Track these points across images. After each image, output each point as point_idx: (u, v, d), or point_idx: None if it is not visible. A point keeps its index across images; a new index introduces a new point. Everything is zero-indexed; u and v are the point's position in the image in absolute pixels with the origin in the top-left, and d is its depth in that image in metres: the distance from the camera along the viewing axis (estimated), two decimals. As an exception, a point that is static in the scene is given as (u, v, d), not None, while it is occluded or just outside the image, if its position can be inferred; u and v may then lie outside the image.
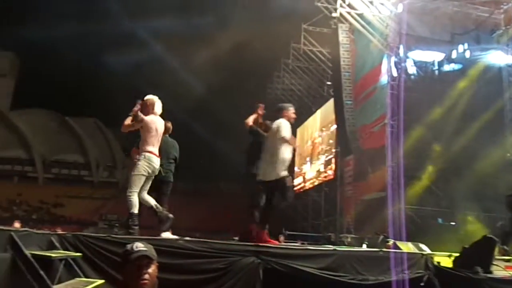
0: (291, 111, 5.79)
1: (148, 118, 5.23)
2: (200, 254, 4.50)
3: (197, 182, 33.12)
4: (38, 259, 3.34)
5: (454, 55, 14.51)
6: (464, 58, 14.45)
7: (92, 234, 4.75)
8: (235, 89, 21.24)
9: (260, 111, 6.23)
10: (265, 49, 20.85)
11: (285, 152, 5.51)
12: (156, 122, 5.30)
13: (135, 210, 5.16)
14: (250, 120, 6.14)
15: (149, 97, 5.39)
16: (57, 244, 4.12)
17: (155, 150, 5.27)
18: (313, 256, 4.85)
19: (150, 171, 5.22)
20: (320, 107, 23.33)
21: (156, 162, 5.27)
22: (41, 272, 3.22)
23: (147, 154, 5.20)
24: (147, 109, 5.28)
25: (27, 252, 3.30)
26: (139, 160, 5.21)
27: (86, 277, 4.02)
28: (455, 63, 14.86)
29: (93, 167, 41.63)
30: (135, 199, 5.18)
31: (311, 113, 24.67)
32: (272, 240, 5.49)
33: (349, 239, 11.48)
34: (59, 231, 5.55)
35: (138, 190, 5.22)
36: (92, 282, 3.77)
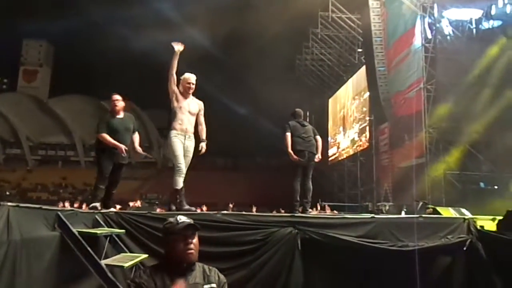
0: None
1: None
2: (238, 227, 4.58)
3: (236, 157, 33.48)
4: (85, 236, 3.49)
5: (493, 11, 13.67)
6: (504, 13, 13.58)
7: (134, 211, 4.93)
8: (266, 63, 21.02)
9: None
10: (292, 19, 20.39)
11: None
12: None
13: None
14: None
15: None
16: (101, 222, 4.30)
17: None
18: (351, 225, 4.82)
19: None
20: (351, 76, 22.80)
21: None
22: (88, 248, 3.37)
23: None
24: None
25: (74, 230, 3.46)
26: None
27: (130, 252, 4.19)
28: (495, 19, 13.99)
29: (130, 148, 42.76)
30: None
31: (342, 82, 24.18)
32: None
33: (387, 207, 11.36)
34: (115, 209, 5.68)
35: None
36: (137, 256, 3.93)
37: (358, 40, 21.89)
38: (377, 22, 17.90)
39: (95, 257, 3.38)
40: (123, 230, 4.30)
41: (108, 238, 3.96)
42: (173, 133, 5.21)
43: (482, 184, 12.06)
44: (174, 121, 5.24)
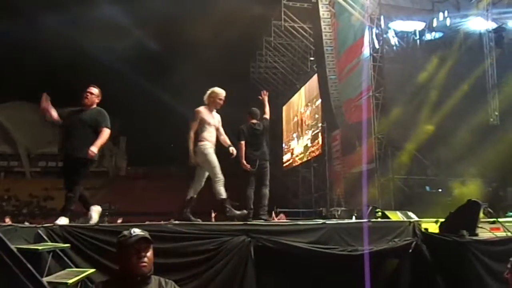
0: None
1: None
2: (190, 237, 4.51)
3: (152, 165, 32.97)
4: (25, 253, 3.30)
5: (435, 23, 14.49)
6: (445, 26, 14.44)
7: (79, 224, 4.73)
8: (218, 70, 21.03)
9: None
10: (246, 28, 20.56)
11: None
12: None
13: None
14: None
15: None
16: (44, 237, 4.09)
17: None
18: (303, 231, 4.89)
19: None
20: (304, 84, 23.27)
21: None
22: (28, 265, 3.19)
23: None
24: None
25: (13, 247, 3.26)
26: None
27: (77, 267, 4.01)
28: (436, 31, 14.84)
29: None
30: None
31: (295, 90, 24.62)
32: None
33: (339, 212, 11.65)
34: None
35: None
36: (83, 272, 3.76)
37: (310, 49, 22.41)
38: (328, 31, 18.42)
39: (36, 274, 3.20)
40: (68, 245, 4.11)
41: (51, 254, 3.76)
42: (208, 144, 5.65)
43: (427, 188, 12.65)
44: (204, 133, 5.67)
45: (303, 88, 23.46)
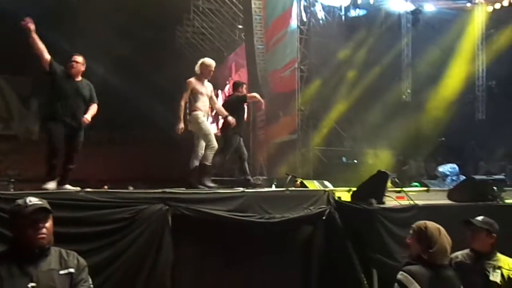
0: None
1: None
2: (104, 205, 4.30)
3: (111, 131, 31.41)
4: None
5: (359, 0, 14.93)
6: (368, 4, 14.96)
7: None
8: (143, 33, 19.96)
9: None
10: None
11: None
12: None
13: None
14: None
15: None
16: None
17: None
18: (222, 199, 4.91)
19: None
20: (232, 52, 22.99)
21: None
22: None
23: None
24: None
25: None
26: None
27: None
28: (360, 8, 15.33)
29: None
30: None
31: (223, 57, 24.28)
32: None
33: (260, 181, 11.88)
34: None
35: None
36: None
37: (239, 17, 22.05)
38: (257, 0, 18.20)
39: None
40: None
41: None
42: (200, 114, 6.04)
43: (344, 159, 13.34)
44: (197, 103, 6.06)
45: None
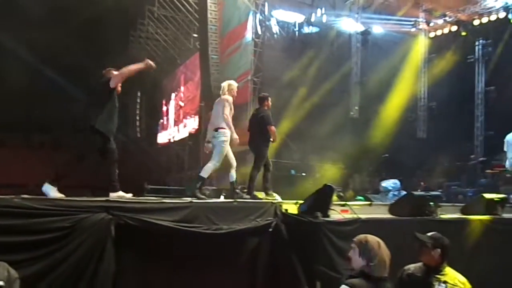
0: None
1: None
2: (41, 213, 4.08)
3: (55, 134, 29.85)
4: None
5: (313, 18, 15.39)
6: (321, 22, 15.48)
7: None
8: (95, 36, 19.30)
9: None
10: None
11: None
12: None
13: None
14: None
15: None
16: None
17: None
18: (168, 209, 4.81)
19: None
20: (186, 60, 22.83)
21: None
22: None
23: None
24: None
25: None
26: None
27: None
28: (313, 26, 15.81)
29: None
30: None
31: (176, 65, 24.05)
32: None
33: (208, 192, 11.76)
34: None
35: None
36: None
37: (194, 25, 21.97)
38: (214, 10, 18.21)
39: None
40: None
41: None
42: (228, 133, 6.73)
43: (292, 171, 13.53)
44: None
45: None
